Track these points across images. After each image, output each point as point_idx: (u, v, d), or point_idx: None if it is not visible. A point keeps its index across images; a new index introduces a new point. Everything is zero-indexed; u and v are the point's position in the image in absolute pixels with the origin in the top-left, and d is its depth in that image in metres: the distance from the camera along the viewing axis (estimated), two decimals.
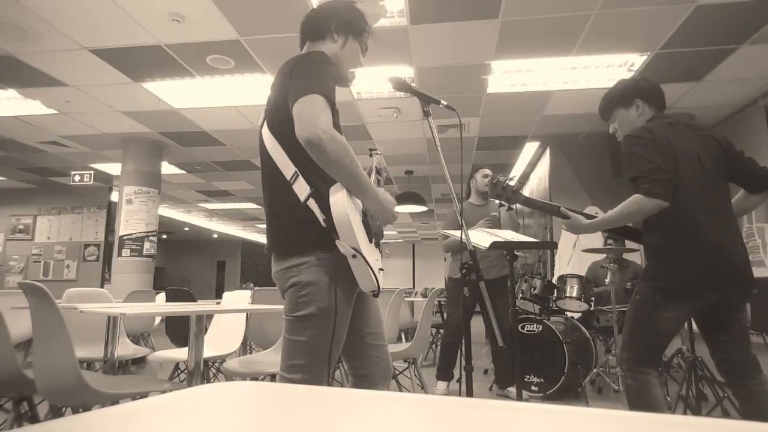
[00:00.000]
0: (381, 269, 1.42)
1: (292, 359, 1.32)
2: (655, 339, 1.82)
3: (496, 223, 3.50)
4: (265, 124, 1.41)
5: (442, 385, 3.61)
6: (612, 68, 4.25)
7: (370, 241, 1.38)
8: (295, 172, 1.31)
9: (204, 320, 2.05)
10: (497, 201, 3.61)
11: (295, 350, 1.32)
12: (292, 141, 1.27)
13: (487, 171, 3.76)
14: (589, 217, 1.89)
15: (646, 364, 1.80)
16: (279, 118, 1.35)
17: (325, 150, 1.19)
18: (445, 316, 5.68)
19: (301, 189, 1.30)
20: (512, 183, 2.05)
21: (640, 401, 1.79)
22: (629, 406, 1.87)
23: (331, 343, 1.30)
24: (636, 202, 1.71)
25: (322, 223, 1.28)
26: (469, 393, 1.62)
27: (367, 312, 1.49)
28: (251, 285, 13.96)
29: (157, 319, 4.82)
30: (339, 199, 1.25)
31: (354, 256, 1.26)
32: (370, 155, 1.80)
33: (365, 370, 1.48)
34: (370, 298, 1.51)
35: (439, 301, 5.80)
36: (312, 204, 1.29)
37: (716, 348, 1.82)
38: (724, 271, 1.71)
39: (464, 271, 1.59)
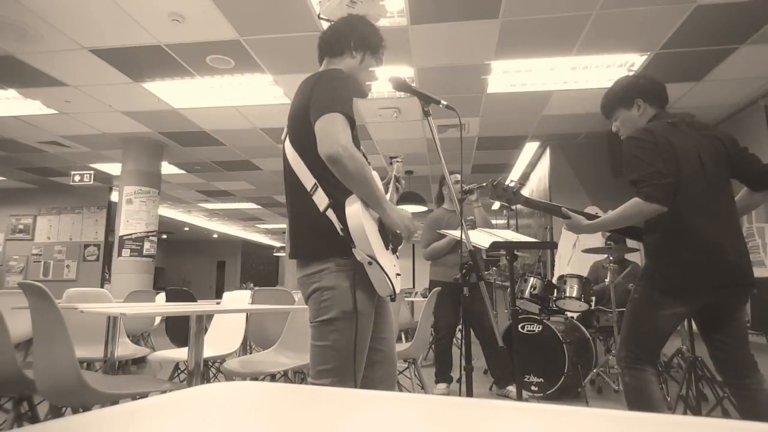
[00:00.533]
0: (398, 274, 1.47)
1: (320, 365, 1.37)
2: (653, 337, 1.83)
3: (473, 226, 3.51)
4: (287, 138, 1.48)
5: (442, 386, 3.61)
6: (612, 68, 4.25)
7: (387, 248, 1.44)
8: (315, 183, 1.39)
9: (204, 320, 2.05)
10: (469, 199, 3.62)
11: (322, 356, 1.37)
12: (311, 154, 1.35)
13: (458, 176, 3.76)
14: (589, 217, 1.90)
15: (643, 362, 1.82)
16: (299, 132, 1.42)
17: (346, 166, 1.28)
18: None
19: (321, 200, 1.38)
20: (512, 184, 2.07)
21: (638, 398, 1.81)
22: (627, 403, 1.88)
23: (355, 344, 1.35)
24: (635, 206, 1.72)
25: (340, 232, 1.35)
26: (469, 393, 1.62)
27: (380, 317, 1.52)
28: (251, 285, 13.95)
29: (157, 319, 4.81)
30: (354, 211, 1.33)
31: (370, 263, 1.34)
32: (390, 163, 1.82)
33: (366, 372, 1.48)
34: (387, 305, 1.55)
35: None
36: (330, 214, 1.36)
37: (714, 347, 1.83)
38: (722, 272, 1.72)
39: (464, 271, 1.59)
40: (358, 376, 1.38)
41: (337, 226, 1.35)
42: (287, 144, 1.47)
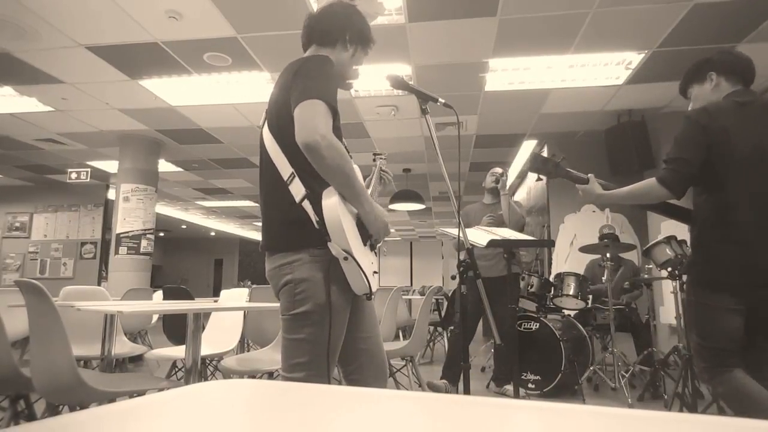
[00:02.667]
0: (375, 272, 1.42)
1: (294, 358, 1.33)
2: (720, 337, 1.65)
3: (500, 220, 3.46)
4: (266, 123, 1.42)
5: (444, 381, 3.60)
6: (609, 66, 4.25)
7: (365, 244, 1.39)
8: (292, 173, 1.33)
9: (201, 318, 2.05)
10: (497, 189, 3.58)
11: (296, 349, 1.32)
12: (291, 142, 1.28)
13: (498, 169, 3.68)
14: (606, 187, 1.85)
15: (724, 366, 1.64)
16: (279, 118, 1.36)
17: (323, 156, 1.22)
18: (443, 314, 5.68)
19: (297, 190, 1.32)
20: (554, 156, 1.92)
21: (740, 403, 1.62)
22: (734, 412, 1.67)
23: (329, 338, 1.30)
24: (648, 185, 1.69)
25: (315, 224, 1.29)
26: (467, 390, 1.62)
27: (361, 315, 1.48)
28: (249, 283, 13.95)
29: (155, 317, 4.81)
30: (331, 204, 1.27)
31: (345, 259, 1.28)
32: (374, 160, 1.81)
33: (355, 375, 1.48)
34: (365, 302, 1.50)
35: (437, 299, 5.81)
36: (306, 205, 1.31)
37: (753, 346, 1.67)
38: (762, 270, 1.59)
39: (461, 269, 1.59)
40: (332, 369, 1.35)
41: (313, 218, 1.29)
42: (265, 130, 1.41)
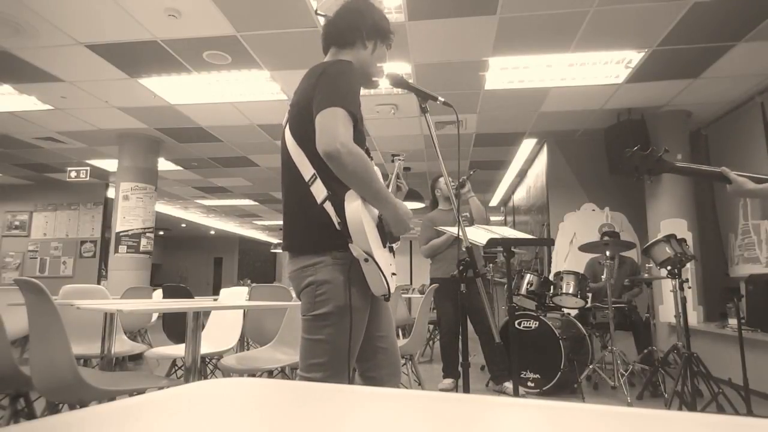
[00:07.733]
0: (394, 273, 1.45)
1: (312, 358, 1.35)
2: None
3: (470, 222, 3.54)
4: (288, 125, 1.45)
5: (448, 381, 3.63)
6: (609, 65, 4.25)
7: (384, 246, 1.41)
8: (314, 174, 1.35)
9: (201, 317, 2.05)
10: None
11: (314, 349, 1.35)
12: (312, 145, 1.31)
13: (443, 179, 3.78)
14: (758, 180, 1.59)
15: None
16: (301, 122, 1.38)
17: (344, 163, 1.25)
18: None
19: (319, 191, 1.34)
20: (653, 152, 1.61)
21: None
22: None
23: (350, 340, 1.33)
24: None
25: (337, 226, 1.32)
26: (467, 389, 1.63)
27: (379, 315, 1.51)
28: (248, 282, 13.94)
29: (154, 316, 4.81)
30: (354, 207, 1.30)
31: (366, 260, 1.31)
32: (392, 161, 1.81)
33: (372, 372, 1.50)
34: (382, 302, 1.53)
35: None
36: (328, 206, 1.33)
37: None
38: None
39: (462, 267, 1.59)
40: (350, 370, 1.38)
41: (335, 219, 1.31)
42: (287, 132, 1.44)
